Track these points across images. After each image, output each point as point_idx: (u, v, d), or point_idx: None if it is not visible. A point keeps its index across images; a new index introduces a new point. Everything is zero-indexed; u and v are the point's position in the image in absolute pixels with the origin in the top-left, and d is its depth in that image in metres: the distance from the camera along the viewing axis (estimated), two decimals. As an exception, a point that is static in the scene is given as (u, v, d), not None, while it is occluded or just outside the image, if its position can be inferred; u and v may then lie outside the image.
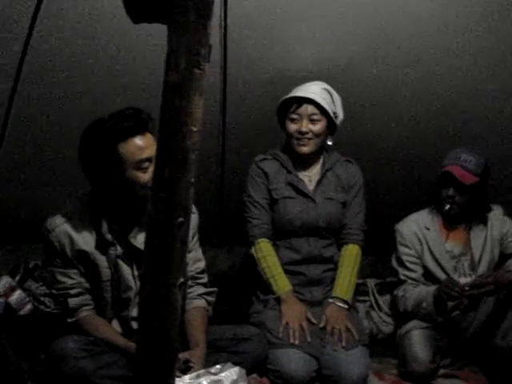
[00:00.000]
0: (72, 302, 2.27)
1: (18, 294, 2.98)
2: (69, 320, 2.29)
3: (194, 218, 2.44)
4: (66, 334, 2.24)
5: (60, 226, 2.24)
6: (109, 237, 2.26)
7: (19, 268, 3.21)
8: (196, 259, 2.47)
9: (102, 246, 2.26)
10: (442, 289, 2.72)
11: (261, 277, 2.79)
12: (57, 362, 2.17)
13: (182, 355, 2.17)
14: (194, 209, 2.42)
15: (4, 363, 2.11)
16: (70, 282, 2.27)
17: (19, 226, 3.34)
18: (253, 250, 2.81)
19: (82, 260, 2.26)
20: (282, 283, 2.74)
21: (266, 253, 2.78)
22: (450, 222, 2.94)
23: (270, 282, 2.75)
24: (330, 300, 2.76)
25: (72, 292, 2.27)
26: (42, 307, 3.03)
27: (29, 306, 3.00)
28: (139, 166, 2.13)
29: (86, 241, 2.25)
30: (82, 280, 2.29)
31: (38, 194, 3.27)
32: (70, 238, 2.23)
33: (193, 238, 2.44)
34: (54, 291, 2.34)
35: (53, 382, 2.23)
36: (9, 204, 3.30)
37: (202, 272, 2.50)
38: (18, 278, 3.14)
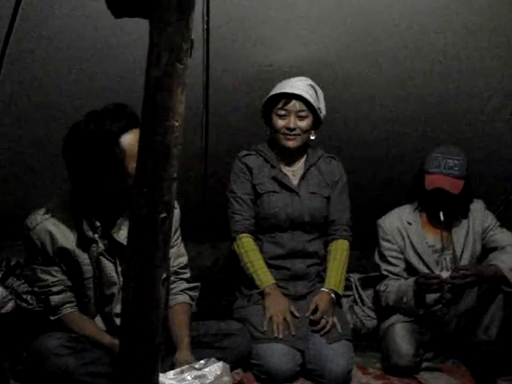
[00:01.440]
0: (54, 299, 2.26)
1: (-1, 292, 2.96)
2: (51, 318, 2.28)
3: (176, 213, 2.43)
4: (49, 332, 2.23)
5: (40, 223, 2.21)
6: (90, 234, 2.24)
7: (0, 265, 3.18)
8: (178, 254, 2.46)
9: (84, 243, 2.25)
10: (418, 283, 2.75)
11: (244, 272, 2.79)
12: (39, 360, 2.15)
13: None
14: (175, 204, 2.40)
15: (-14, 361, 2.11)
16: (51, 279, 2.25)
17: (0, 223, 3.31)
18: (235, 246, 2.81)
19: (64, 257, 2.24)
20: (264, 277, 2.74)
21: (247, 248, 2.78)
22: (436, 219, 2.94)
23: (252, 276, 2.75)
24: (324, 289, 2.76)
25: (54, 289, 2.25)
26: (24, 305, 3.01)
27: (11, 304, 2.98)
28: None
29: (67, 238, 2.23)
30: (64, 277, 2.27)
31: (19, 190, 3.24)
32: (51, 235, 2.21)
33: (175, 233, 2.43)
34: (36, 289, 2.32)
35: (35, 380, 2.21)
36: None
37: (185, 267, 2.48)
38: (-1, 275, 3.12)
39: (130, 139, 2.10)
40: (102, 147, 2.09)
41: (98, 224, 2.25)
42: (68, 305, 2.27)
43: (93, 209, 2.25)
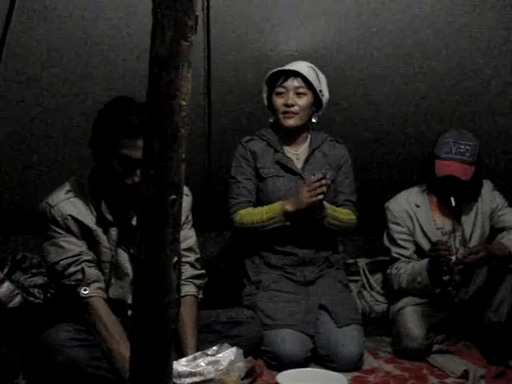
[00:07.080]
0: (88, 270, 2.19)
1: (6, 287, 2.94)
2: (82, 291, 2.16)
3: (188, 200, 2.41)
4: (57, 324, 2.20)
5: (62, 201, 2.21)
6: (109, 217, 2.24)
7: (6, 260, 3.17)
8: (185, 237, 2.37)
9: (103, 225, 2.24)
10: (433, 250, 2.72)
11: (252, 258, 2.80)
12: (49, 352, 2.14)
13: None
14: (187, 191, 2.38)
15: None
16: (80, 249, 2.21)
17: (6, 218, 3.28)
18: (237, 222, 2.75)
19: (85, 235, 2.22)
20: (273, 207, 2.70)
21: (248, 212, 2.74)
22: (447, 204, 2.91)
23: (269, 220, 2.70)
24: None
25: (85, 258, 2.20)
26: (31, 299, 3.00)
27: (18, 298, 2.96)
28: None
29: (87, 218, 2.22)
30: (90, 251, 2.23)
31: (26, 186, 3.21)
32: (73, 213, 2.20)
33: (187, 217, 2.42)
34: (62, 262, 2.20)
35: (45, 373, 2.20)
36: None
37: (190, 249, 2.42)
38: (5, 270, 3.10)
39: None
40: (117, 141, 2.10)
41: (116, 207, 2.24)
42: (98, 284, 2.20)
43: (110, 192, 2.23)
